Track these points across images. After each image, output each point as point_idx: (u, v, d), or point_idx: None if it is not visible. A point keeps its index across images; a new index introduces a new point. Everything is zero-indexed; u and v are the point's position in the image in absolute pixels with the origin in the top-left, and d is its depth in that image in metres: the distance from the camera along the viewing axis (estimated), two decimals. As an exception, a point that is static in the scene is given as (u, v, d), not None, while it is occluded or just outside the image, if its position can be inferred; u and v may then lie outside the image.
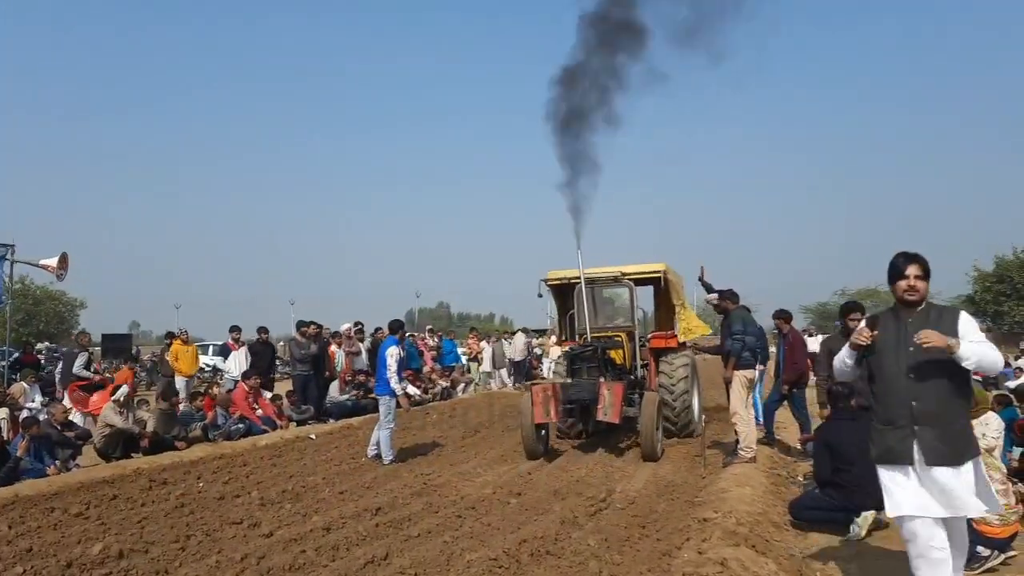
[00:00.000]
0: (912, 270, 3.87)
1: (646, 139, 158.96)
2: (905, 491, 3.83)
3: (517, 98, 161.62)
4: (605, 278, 11.23)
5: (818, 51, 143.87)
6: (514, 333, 22.71)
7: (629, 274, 11.08)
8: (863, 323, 4.03)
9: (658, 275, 11.09)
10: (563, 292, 11.78)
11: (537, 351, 23.22)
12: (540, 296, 11.72)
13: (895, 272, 3.93)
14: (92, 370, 13.41)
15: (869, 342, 3.93)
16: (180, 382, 13.81)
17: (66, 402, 10.90)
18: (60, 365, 14.36)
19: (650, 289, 12.29)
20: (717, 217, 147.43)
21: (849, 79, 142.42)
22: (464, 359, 20.88)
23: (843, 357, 4.15)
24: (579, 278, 10.45)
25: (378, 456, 9.54)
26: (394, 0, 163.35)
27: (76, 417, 10.70)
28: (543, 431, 9.83)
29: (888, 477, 3.92)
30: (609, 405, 9.20)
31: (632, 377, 10.69)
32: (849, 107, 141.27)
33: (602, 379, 9.78)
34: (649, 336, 11.49)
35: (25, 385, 12.41)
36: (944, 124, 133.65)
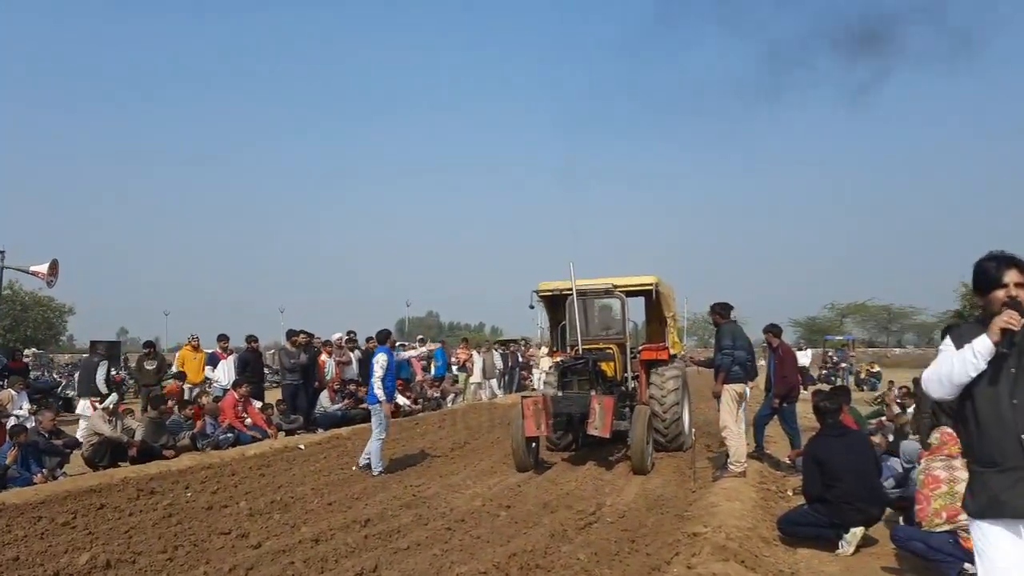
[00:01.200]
0: (1013, 276, 2.94)
1: (638, 153, 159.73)
2: (1009, 558, 2.84)
3: (510, 108, 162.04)
4: (596, 290, 11.24)
5: (811, 66, 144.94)
6: (503, 343, 22.73)
7: (620, 286, 11.11)
8: (1006, 305, 2.90)
9: (649, 287, 11.12)
10: (554, 303, 11.80)
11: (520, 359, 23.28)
12: (532, 307, 11.75)
13: (989, 280, 3.00)
14: (112, 380, 13.24)
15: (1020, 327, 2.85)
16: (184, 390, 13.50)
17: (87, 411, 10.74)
18: (77, 374, 14.17)
19: (641, 301, 12.33)
20: (706, 230, 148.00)
21: (838, 94, 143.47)
22: (454, 368, 20.84)
23: (972, 356, 2.90)
24: (571, 290, 10.48)
25: (368, 466, 9.51)
26: (383, 7, 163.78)
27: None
28: (533, 444, 9.81)
29: (988, 536, 2.90)
30: (600, 419, 9.18)
31: (623, 389, 10.71)
32: (838, 121, 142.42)
33: (593, 392, 9.77)
34: (640, 348, 11.52)
35: (12, 392, 12.30)
36: (932, 138, 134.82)
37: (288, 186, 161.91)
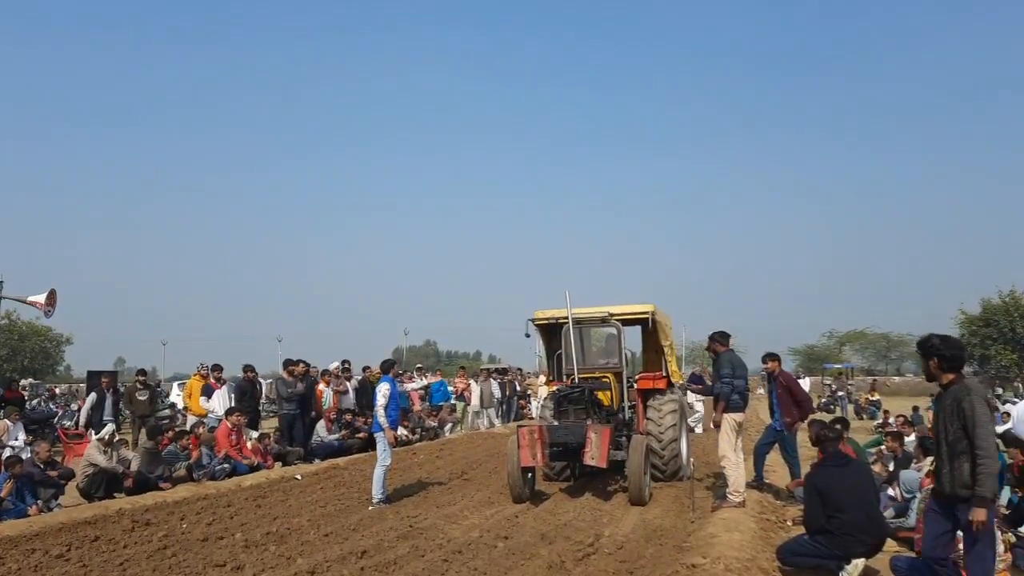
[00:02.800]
0: None
1: (634, 183, 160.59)
2: None
3: (506, 137, 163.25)
4: (593, 318, 11.19)
5: (804, 96, 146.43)
6: (502, 371, 22.67)
7: (617, 315, 11.07)
8: None
9: (646, 316, 11.06)
10: (550, 332, 11.75)
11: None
12: (528, 336, 11.66)
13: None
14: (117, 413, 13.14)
15: None
16: (192, 420, 13.39)
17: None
18: (86, 404, 14.08)
19: (638, 329, 12.32)
20: (704, 259, 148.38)
21: (838, 124, 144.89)
22: (452, 397, 20.74)
23: None
24: (567, 318, 10.44)
25: (385, 500, 9.44)
26: (390, 33, 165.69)
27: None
28: (529, 474, 9.74)
29: None
30: (596, 449, 9.11)
31: (620, 419, 10.65)
32: (837, 151, 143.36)
33: (589, 421, 9.71)
34: (637, 377, 11.46)
35: (8, 423, 12.26)
36: (931, 168, 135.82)
37: (286, 215, 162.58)
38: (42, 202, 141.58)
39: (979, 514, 4.36)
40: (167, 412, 20.69)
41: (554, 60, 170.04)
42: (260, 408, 14.24)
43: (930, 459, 7.60)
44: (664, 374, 11.34)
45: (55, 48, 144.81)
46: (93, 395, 13.73)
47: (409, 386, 16.02)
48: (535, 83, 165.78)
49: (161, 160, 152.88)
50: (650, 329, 11.54)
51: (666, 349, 11.56)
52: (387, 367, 10.05)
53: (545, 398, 12.01)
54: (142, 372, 15.32)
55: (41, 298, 14.55)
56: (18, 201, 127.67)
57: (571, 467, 10.79)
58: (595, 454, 9.10)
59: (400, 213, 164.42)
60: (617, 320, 11.06)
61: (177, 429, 11.95)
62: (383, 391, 9.47)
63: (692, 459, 11.38)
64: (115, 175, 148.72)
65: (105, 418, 12.28)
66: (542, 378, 20.26)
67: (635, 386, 11.22)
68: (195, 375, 14.37)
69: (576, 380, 10.43)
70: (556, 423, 10.08)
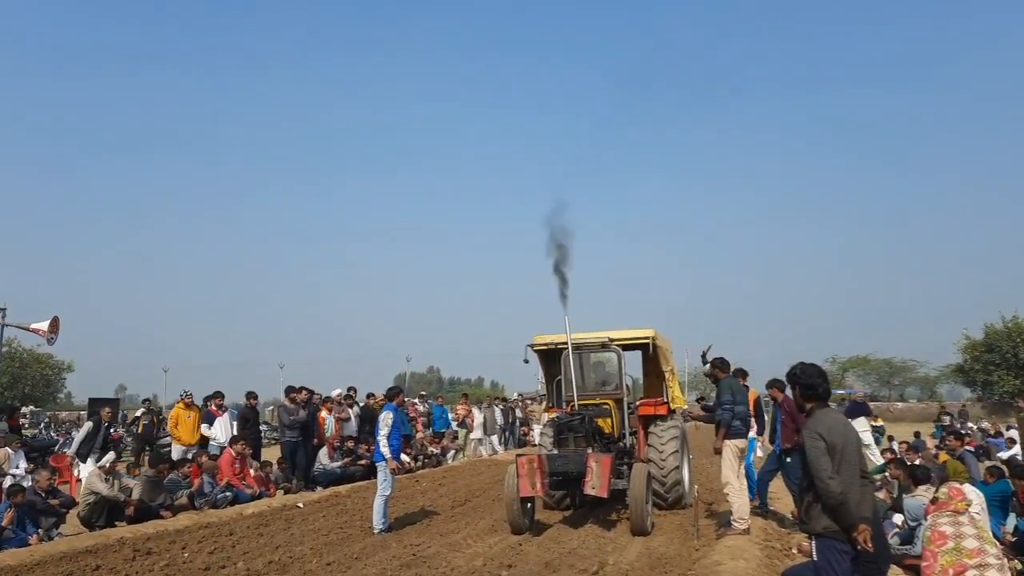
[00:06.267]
0: None
1: (639, 209, 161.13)
2: None
3: (506, 165, 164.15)
4: (592, 343, 11.11)
5: (806, 114, 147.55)
6: (503, 400, 22.64)
7: (617, 340, 10.97)
8: None
9: (647, 341, 10.96)
10: (549, 357, 11.58)
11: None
12: (526, 362, 11.52)
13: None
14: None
15: None
16: (177, 451, 13.31)
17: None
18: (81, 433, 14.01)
19: (639, 355, 12.27)
20: (706, 284, 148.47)
21: (841, 144, 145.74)
22: (454, 424, 20.67)
23: None
24: (566, 343, 10.35)
25: (387, 529, 9.40)
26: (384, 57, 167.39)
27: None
28: (529, 504, 9.62)
29: None
30: (597, 478, 8.99)
31: (621, 446, 10.55)
32: (841, 175, 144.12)
33: (590, 450, 9.57)
34: (637, 404, 11.36)
35: (9, 451, 12.21)
36: (936, 194, 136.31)
37: (288, 242, 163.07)
38: (45, 229, 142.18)
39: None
40: (168, 440, 20.58)
41: (557, 85, 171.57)
42: (261, 435, 14.15)
43: (924, 487, 7.59)
44: (665, 400, 11.23)
45: (56, 73, 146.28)
46: (89, 424, 13.64)
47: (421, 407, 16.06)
48: (541, 108, 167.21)
49: (164, 187, 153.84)
50: (651, 354, 11.42)
51: (667, 375, 11.46)
52: (392, 395, 10.01)
53: (544, 425, 11.91)
54: (147, 401, 15.26)
55: (44, 325, 14.57)
56: (21, 228, 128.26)
57: (571, 496, 10.67)
58: (596, 483, 8.99)
59: (403, 239, 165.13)
60: (617, 345, 10.99)
61: (166, 459, 11.81)
62: (386, 420, 9.44)
63: (696, 486, 11.19)
64: (118, 202, 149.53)
65: (94, 451, 12.13)
66: (544, 403, 20.23)
67: (636, 413, 11.12)
68: (179, 403, 14.04)
69: (576, 407, 10.34)
70: (556, 451, 9.99)
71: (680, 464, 10.54)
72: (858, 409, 17.79)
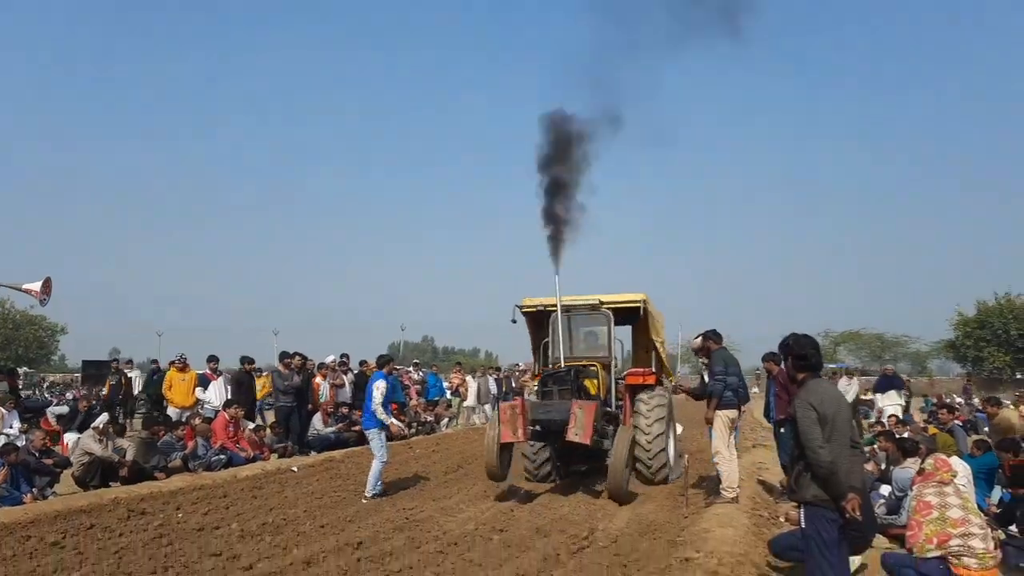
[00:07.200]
0: None
1: (631, 179, 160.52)
2: None
3: (503, 134, 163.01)
4: (582, 306, 10.89)
5: (799, 96, 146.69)
6: (496, 369, 22.71)
7: (608, 303, 10.75)
8: None
9: (638, 305, 10.76)
10: (538, 321, 11.34)
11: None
12: (514, 322, 11.20)
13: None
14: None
15: None
16: (172, 413, 13.39)
17: None
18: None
19: (629, 331, 12.14)
20: (698, 259, 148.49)
21: (836, 121, 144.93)
22: (447, 392, 20.78)
23: None
24: (555, 306, 10.17)
25: (380, 495, 9.46)
26: (376, 30, 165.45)
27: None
28: (507, 453, 9.40)
29: None
30: (580, 425, 8.74)
31: (607, 410, 10.25)
32: (835, 150, 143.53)
33: (574, 400, 9.37)
34: (625, 373, 11.18)
35: (3, 410, 12.23)
36: (930, 170, 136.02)
37: (283, 208, 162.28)
38: (38, 191, 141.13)
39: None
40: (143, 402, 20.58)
41: (549, 59, 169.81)
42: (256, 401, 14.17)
43: (913, 459, 7.67)
44: (654, 371, 11.05)
45: (57, 47, 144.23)
46: (65, 408, 13.63)
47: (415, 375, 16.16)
48: (535, 77, 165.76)
49: (159, 152, 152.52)
50: (641, 319, 11.17)
51: (658, 345, 11.30)
52: (383, 363, 10.01)
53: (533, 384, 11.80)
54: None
55: (36, 286, 14.43)
56: (13, 189, 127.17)
57: (555, 467, 10.41)
58: (579, 430, 8.76)
59: (398, 207, 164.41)
60: (608, 309, 10.77)
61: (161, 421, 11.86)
62: (380, 388, 9.44)
63: (687, 455, 11.02)
64: (112, 165, 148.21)
65: (72, 429, 12.21)
66: (529, 373, 20.32)
67: (623, 382, 10.91)
68: (171, 366, 14.25)
69: (563, 367, 10.13)
70: (540, 401, 9.71)
71: (665, 436, 10.25)
72: (889, 383, 17.57)
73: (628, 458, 9.03)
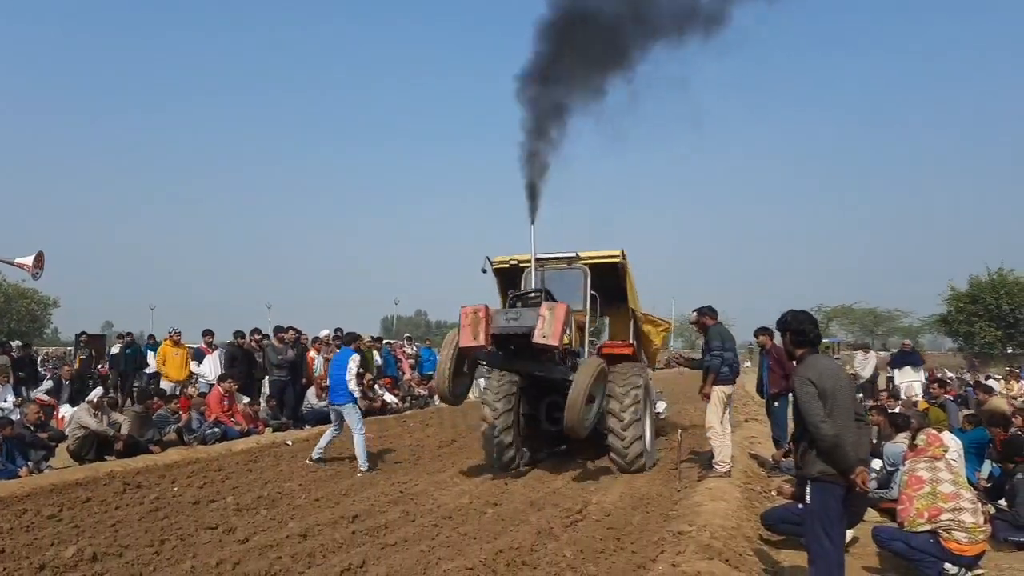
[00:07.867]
0: None
1: (626, 152, 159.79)
2: None
3: (493, 106, 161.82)
4: (557, 260, 10.34)
5: (800, 69, 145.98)
6: None
7: (584, 258, 10.22)
8: None
9: (616, 260, 10.13)
10: (511, 277, 10.57)
11: None
12: (484, 272, 10.52)
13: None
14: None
15: None
16: (166, 387, 13.33)
17: None
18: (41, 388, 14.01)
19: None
20: (694, 233, 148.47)
21: (831, 98, 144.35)
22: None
23: None
24: (529, 261, 9.74)
25: (322, 460, 9.73)
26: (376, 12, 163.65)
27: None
28: (463, 377, 8.84)
29: None
30: (548, 326, 8.00)
31: (578, 362, 9.30)
32: (830, 125, 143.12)
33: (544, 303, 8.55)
34: (599, 344, 10.67)
35: (-3, 384, 12.23)
36: (924, 145, 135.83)
37: (277, 182, 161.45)
38: (31, 164, 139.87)
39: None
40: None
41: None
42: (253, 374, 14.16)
43: (904, 434, 7.74)
44: (632, 342, 10.55)
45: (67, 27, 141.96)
46: (49, 383, 13.55)
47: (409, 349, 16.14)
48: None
49: (153, 125, 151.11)
50: (620, 275, 10.36)
51: (638, 313, 10.73)
52: (350, 339, 10.15)
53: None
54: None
55: (29, 260, 14.29)
56: (6, 163, 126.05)
57: (520, 452, 9.63)
58: (547, 331, 8.03)
59: (392, 182, 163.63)
60: (584, 264, 10.23)
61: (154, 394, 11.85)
62: (356, 360, 9.56)
63: (680, 431, 10.44)
64: (105, 139, 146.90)
65: (61, 402, 12.18)
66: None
67: (599, 351, 10.28)
68: (167, 340, 14.15)
69: None
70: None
71: (642, 421, 9.26)
72: (906, 358, 17.29)
73: (590, 388, 8.19)
